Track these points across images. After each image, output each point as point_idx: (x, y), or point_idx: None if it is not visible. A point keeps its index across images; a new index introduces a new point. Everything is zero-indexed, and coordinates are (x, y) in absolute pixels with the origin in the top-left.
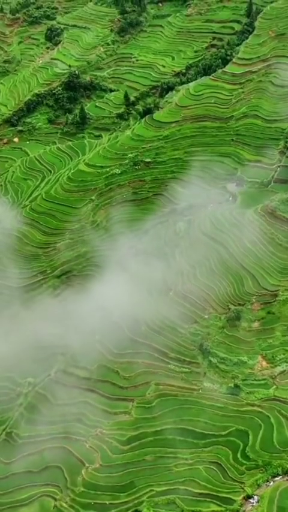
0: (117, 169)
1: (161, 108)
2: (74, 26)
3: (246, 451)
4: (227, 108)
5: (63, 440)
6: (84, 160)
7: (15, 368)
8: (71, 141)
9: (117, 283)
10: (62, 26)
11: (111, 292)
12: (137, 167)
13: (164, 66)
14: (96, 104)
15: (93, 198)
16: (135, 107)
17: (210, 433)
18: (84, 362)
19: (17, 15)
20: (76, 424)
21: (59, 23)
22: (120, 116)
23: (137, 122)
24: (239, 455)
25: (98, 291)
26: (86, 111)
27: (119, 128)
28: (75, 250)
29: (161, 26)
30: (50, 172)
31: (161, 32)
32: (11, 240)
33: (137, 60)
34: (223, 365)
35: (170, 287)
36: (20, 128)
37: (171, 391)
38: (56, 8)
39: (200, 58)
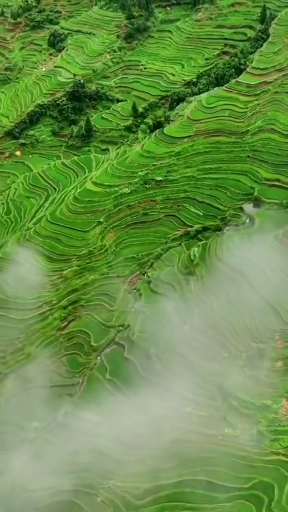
0: (127, 189)
1: (172, 121)
2: (79, 31)
3: (271, 507)
4: (242, 121)
5: (72, 494)
6: (91, 178)
7: (20, 410)
8: (76, 155)
9: (127, 313)
10: (66, 32)
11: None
12: (147, 186)
13: (173, 75)
14: (103, 116)
15: (101, 220)
16: (144, 119)
17: (232, 485)
18: (93, 404)
19: (19, 19)
20: (86, 474)
21: (62, 28)
22: (128, 129)
23: (147, 137)
24: None
25: (108, 324)
26: (92, 123)
27: (127, 141)
28: (82, 278)
29: (169, 31)
30: (55, 190)
31: (170, 37)
32: (14, 266)
33: (145, 68)
34: (245, 409)
35: (185, 320)
36: (22, 141)
37: (188, 437)
38: (59, 12)
39: (211, 66)
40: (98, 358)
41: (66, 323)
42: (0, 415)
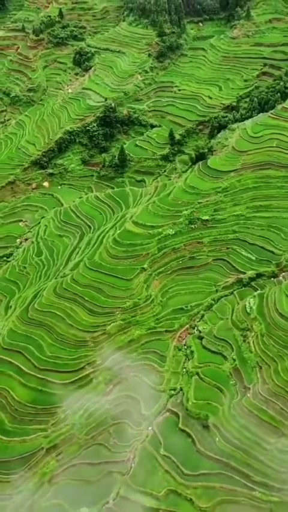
0: (171, 230)
1: (214, 151)
2: (107, 49)
3: None
4: None
5: None
6: (131, 217)
7: (65, 493)
8: (109, 186)
9: (179, 376)
10: (93, 49)
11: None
12: (193, 226)
13: (210, 98)
14: (137, 143)
15: (145, 266)
16: (181, 146)
17: None
18: (148, 485)
19: (41, 35)
20: None
21: (89, 45)
22: (164, 158)
23: (190, 170)
24: None
25: (158, 388)
26: (126, 151)
27: (164, 171)
28: (128, 333)
29: (203, 49)
30: (89, 228)
31: (204, 56)
32: (51, 320)
33: (179, 90)
34: None
35: (246, 386)
36: (50, 171)
37: None
38: (84, 28)
39: (251, 88)
40: (150, 428)
41: (111, 386)
42: (43, 498)
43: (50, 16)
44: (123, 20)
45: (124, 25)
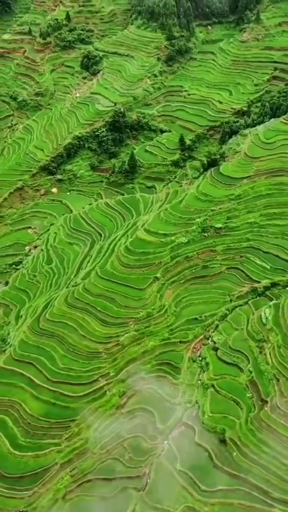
0: (184, 238)
1: (226, 157)
2: (115, 53)
3: None
4: None
5: None
6: (142, 224)
7: (81, 510)
8: (118, 192)
9: (194, 388)
10: (101, 53)
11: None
12: (206, 234)
13: (220, 102)
14: (147, 148)
15: (158, 275)
16: (192, 152)
17: None
18: (165, 501)
19: (48, 39)
20: None
21: (96, 49)
22: (175, 164)
23: (202, 176)
24: None
25: (173, 401)
26: (136, 157)
27: (175, 177)
28: (141, 344)
29: (212, 52)
30: (100, 235)
31: (213, 60)
32: (63, 331)
33: (189, 95)
34: None
35: (263, 398)
36: (59, 177)
37: None
38: (92, 31)
39: (261, 93)
40: (165, 442)
41: (125, 399)
42: None
43: (57, 19)
44: (131, 23)
45: (132, 28)
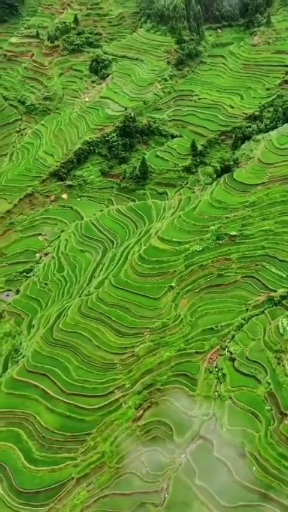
0: (198, 246)
1: (240, 163)
2: (124, 56)
3: None
4: None
5: None
6: (156, 232)
7: None
8: (129, 198)
9: (211, 400)
10: (110, 57)
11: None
12: (220, 242)
13: (232, 107)
14: (158, 154)
15: (172, 284)
16: (203, 157)
17: None
18: None
19: (56, 42)
20: None
21: (105, 53)
22: (186, 169)
23: (215, 183)
24: None
25: (190, 413)
26: (147, 163)
27: (186, 183)
28: (157, 355)
29: (222, 56)
30: (112, 243)
31: (224, 64)
32: (77, 341)
33: (199, 99)
34: None
35: (282, 411)
36: (69, 182)
37: None
38: (100, 34)
39: (273, 97)
40: (183, 456)
41: (141, 411)
42: None
43: (65, 22)
44: (140, 27)
45: (141, 32)
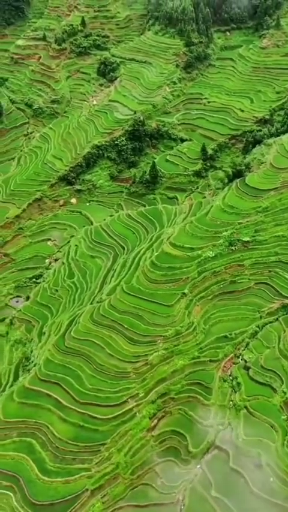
0: (211, 252)
1: (251, 167)
2: (132, 59)
3: None
4: None
5: None
6: (168, 238)
7: None
8: (139, 203)
9: (226, 410)
10: (118, 60)
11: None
12: (233, 248)
13: (242, 111)
14: (167, 158)
15: (185, 291)
16: (213, 161)
17: None
18: None
19: (63, 45)
20: None
21: (113, 55)
22: (197, 174)
23: (227, 188)
24: None
25: (205, 423)
26: (157, 167)
27: (197, 188)
28: (170, 364)
29: (231, 59)
30: (123, 248)
31: (233, 67)
32: (90, 349)
33: (209, 102)
34: None
35: None
36: (78, 187)
37: None
38: (107, 37)
39: (284, 100)
40: (198, 466)
41: (156, 421)
42: None
43: (72, 24)
44: (148, 29)
45: (149, 34)
